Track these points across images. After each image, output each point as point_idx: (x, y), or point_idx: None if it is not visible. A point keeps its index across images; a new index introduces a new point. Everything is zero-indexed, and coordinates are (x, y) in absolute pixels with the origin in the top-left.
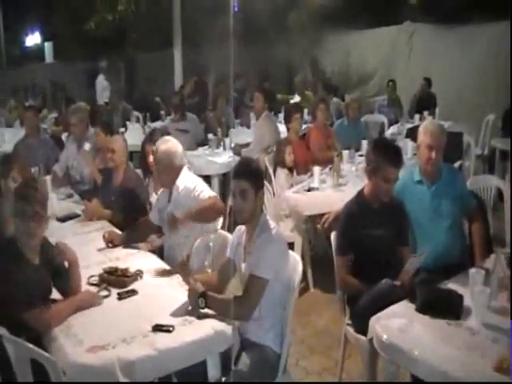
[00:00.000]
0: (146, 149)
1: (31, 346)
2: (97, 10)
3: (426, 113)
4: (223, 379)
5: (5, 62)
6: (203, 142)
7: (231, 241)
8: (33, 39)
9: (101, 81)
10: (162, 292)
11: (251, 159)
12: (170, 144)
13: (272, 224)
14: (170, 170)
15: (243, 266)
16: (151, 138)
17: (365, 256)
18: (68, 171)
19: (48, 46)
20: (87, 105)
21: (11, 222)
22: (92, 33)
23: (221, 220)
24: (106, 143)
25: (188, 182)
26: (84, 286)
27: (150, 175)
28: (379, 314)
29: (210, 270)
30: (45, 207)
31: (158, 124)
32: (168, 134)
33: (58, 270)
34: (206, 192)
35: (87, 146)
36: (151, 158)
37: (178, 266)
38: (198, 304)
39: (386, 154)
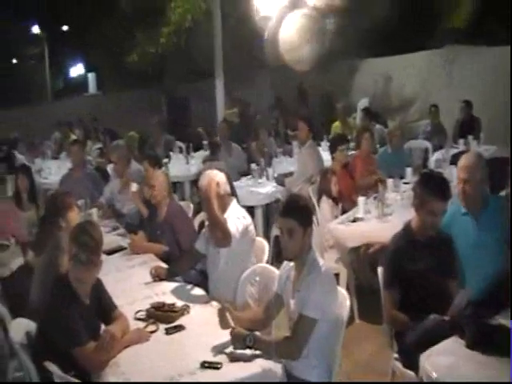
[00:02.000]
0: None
1: (80, 382)
2: (139, 42)
3: (470, 137)
4: None
5: (50, 95)
6: (246, 173)
7: (279, 276)
8: (76, 70)
9: None
10: (209, 327)
11: (299, 196)
12: (212, 175)
13: (321, 261)
14: (216, 200)
15: (291, 302)
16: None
17: (412, 290)
18: (112, 203)
19: (91, 76)
20: (135, 134)
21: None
22: (134, 65)
23: (266, 253)
24: (147, 179)
25: (235, 216)
26: (131, 321)
27: None
28: (429, 351)
29: (252, 304)
30: (99, 253)
31: (200, 154)
32: None
33: (107, 309)
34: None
35: (134, 187)
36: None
37: (218, 312)
38: (246, 342)
39: (432, 188)
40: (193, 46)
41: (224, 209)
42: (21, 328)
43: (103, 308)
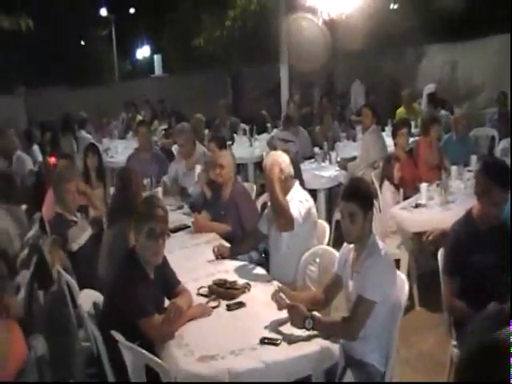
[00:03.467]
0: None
1: (146, 352)
2: (205, 25)
3: None
4: None
5: (117, 77)
6: (310, 156)
7: (339, 257)
8: (142, 52)
9: None
10: (269, 305)
11: (361, 180)
12: (276, 156)
13: (381, 245)
14: (279, 182)
15: (350, 283)
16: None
17: (472, 278)
18: (177, 183)
19: (157, 58)
20: (202, 117)
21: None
22: (200, 48)
23: (327, 235)
24: (214, 159)
25: (297, 199)
26: (194, 297)
27: None
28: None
29: (312, 286)
30: (168, 224)
31: (264, 136)
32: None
33: (171, 284)
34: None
35: (199, 169)
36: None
37: (273, 295)
38: (305, 325)
39: (494, 176)
40: (258, 30)
41: (287, 191)
42: (89, 298)
43: (167, 282)
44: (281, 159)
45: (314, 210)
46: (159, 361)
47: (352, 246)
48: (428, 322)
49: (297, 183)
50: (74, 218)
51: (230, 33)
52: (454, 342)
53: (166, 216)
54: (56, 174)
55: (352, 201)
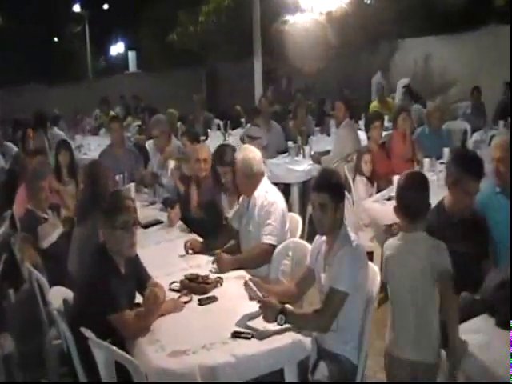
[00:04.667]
0: (218, 171)
1: (116, 349)
2: (179, 21)
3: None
4: None
5: (91, 74)
6: (284, 150)
7: (311, 250)
8: (116, 49)
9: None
10: (241, 300)
11: (332, 171)
12: (247, 151)
13: (353, 236)
14: (248, 178)
15: (322, 276)
16: (221, 159)
17: None
18: (153, 174)
19: (131, 54)
20: (175, 112)
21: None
22: (175, 44)
23: (300, 229)
24: (196, 153)
25: (264, 196)
26: (166, 293)
27: (225, 192)
28: (460, 329)
29: (285, 280)
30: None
31: (238, 131)
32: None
33: (142, 279)
34: (277, 213)
35: (172, 164)
36: (224, 179)
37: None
38: (277, 321)
39: (467, 166)
40: (232, 24)
41: (255, 186)
42: (59, 295)
43: (138, 277)
44: (251, 155)
45: (280, 205)
46: (129, 357)
47: (324, 238)
48: None
49: (265, 178)
50: (45, 216)
51: (204, 28)
52: None
53: (135, 206)
54: (31, 171)
55: (323, 191)
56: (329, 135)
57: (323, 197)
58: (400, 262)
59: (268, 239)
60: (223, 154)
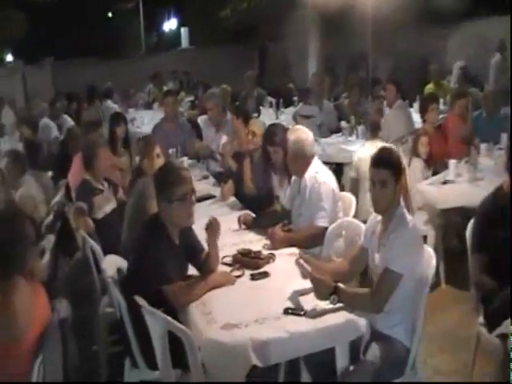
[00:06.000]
0: (268, 149)
1: (170, 318)
2: None
3: None
4: (351, 368)
5: (144, 49)
6: (337, 130)
7: (365, 230)
8: (169, 25)
9: None
10: (293, 276)
11: (391, 148)
12: (300, 132)
13: (409, 217)
14: (300, 159)
15: (376, 256)
16: (271, 138)
17: (500, 255)
18: (208, 147)
19: (184, 31)
20: (228, 87)
21: (154, 203)
22: (227, 20)
23: (353, 208)
24: (245, 127)
25: (314, 176)
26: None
27: (275, 172)
28: None
29: (336, 258)
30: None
31: (290, 110)
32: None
33: (196, 251)
34: (328, 193)
35: (224, 139)
36: (274, 158)
37: (296, 261)
38: (330, 300)
39: None
40: (286, 1)
41: (306, 168)
42: (113, 264)
43: (192, 249)
44: (304, 136)
45: (331, 185)
46: (183, 327)
47: (379, 218)
48: (454, 299)
49: (315, 158)
50: (101, 187)
51: (256, 5)
52: (481, 319)
53: (191, 176)
54: (87, 140)
55: (384, 168)
56: (382, 116)
57: (384, 173)
58: None
59: (321, 222)
60: (273, 134)
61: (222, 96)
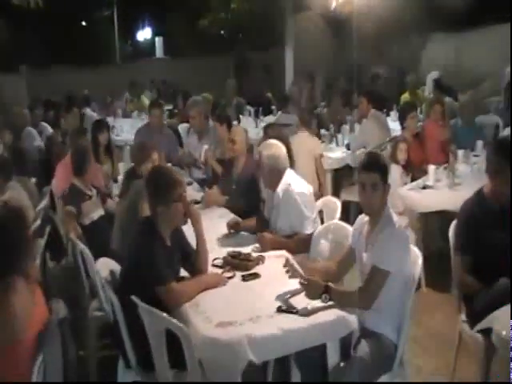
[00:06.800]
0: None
1: (166, 315)
2: (210, 7)
3: None
4: (341, 364)
5: (118, 58)
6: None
7: (353, 230)
8: (143, 34)
9: None
10: (283, 277)
11: (379, 154)
12: (274, 149)
13: (395, 217)
14: (273, 173)
15: (364, 255)
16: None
17: (483, 256)
18: (190, 155)
19: (159, 40)
20: (210, 96)
21: (146, 206)
22: (205, 30)
23: (338, 211)
24: (227, 134)
25: (287, 188)
26: (209, 268)
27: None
28: (498, 312)
29: (321, 260)
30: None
31: (269, 118)
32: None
33: (186, 252)
34: (304, 201)
35: (206, 146)
36: None
37: (286, 263)
38: (322, 299)
39: (508, 156)
40: (264, 12)
41: (279, 181)
42: (105, 266)
43: (183, 250)
44: (278, 152)
45: (304, 192)
46: (180, 324)
47: (366, 219)
48: (435, 301)
49: (288, 170)
50: (89, 193)
51: (235, 16)
52: (464, 318)
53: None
54: (79, 145)
55: (374, 171)
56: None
57: (374, 176)
58: None
59: (303, 230)
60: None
61: (204, 104)
